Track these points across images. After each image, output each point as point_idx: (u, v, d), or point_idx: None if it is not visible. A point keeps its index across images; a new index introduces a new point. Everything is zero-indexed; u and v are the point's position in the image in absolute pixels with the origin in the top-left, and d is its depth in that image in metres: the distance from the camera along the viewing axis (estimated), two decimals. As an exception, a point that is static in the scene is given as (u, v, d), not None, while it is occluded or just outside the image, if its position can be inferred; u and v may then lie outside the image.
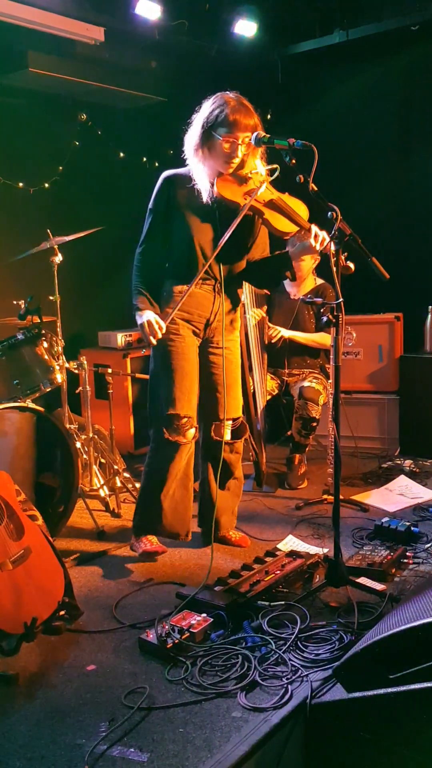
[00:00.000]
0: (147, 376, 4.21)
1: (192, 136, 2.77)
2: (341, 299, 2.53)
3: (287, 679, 2.10)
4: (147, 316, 2.83)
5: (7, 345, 3.36)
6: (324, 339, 4.16)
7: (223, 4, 4.86)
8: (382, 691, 1.84)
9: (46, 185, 4.75)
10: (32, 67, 4.22)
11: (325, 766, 2.01)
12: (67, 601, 2.47)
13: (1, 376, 3.35)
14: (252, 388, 3.94)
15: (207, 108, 2.74)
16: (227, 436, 3.09)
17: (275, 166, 2.76)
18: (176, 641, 2.28)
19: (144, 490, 3.07)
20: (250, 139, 2.68)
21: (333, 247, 2.54)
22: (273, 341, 4.14)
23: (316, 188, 2.52)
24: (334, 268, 2.54)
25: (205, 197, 2.78)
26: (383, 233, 4.58)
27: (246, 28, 4.95)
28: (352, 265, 2.55)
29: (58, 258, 3.74)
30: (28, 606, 2.27)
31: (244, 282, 3.79)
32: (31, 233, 3.94)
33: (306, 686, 2.07)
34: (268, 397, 4.23)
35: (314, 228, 2.80)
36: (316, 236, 2.78)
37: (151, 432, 3.01)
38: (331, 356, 2.63)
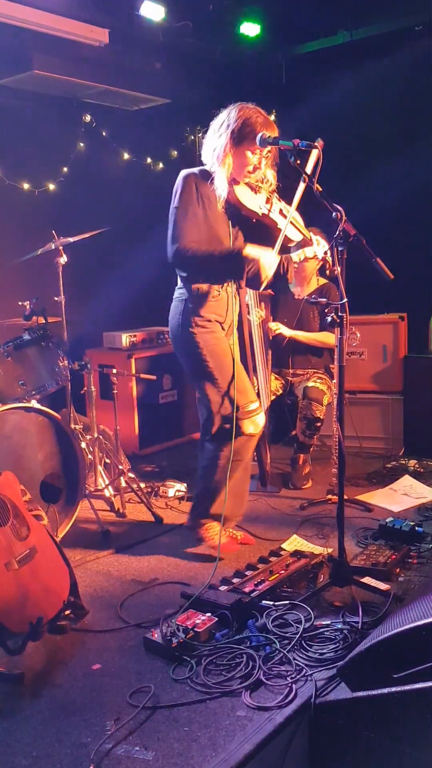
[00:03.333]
0: (152, 377, 4.27)
1: (217, 143, 2.83)
2: (345, 299, 2.54)
3: (292, 678, 2.11)
4: (256, 249, 2.85)
5: (13, 346, 3.37)
6: (326, 338, 4.16)
7: (227, 6, 4.87)
8: (386, 690, 1.84)
9: (51, 186, 4.76)
10: (37, 69, 4.23)
11: (330, 765, 2.01)
12: (72, 600, 2.48)
13: (7, 376, 3.36)
14: (256, 388, 3.94)
15: (234, 117, 2.80)
16: (256, 424, 3.14)
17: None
18: (181, 641, 2.28)
19: (218, 479, 3.06)
20: (257, 141, 2.71)
21: (332, 250, 2.56)
22: (272, 336, 4.14)
23: (320, 189, 2.52)
24: (338, 269, 2.55)
25: (220, 203, 2.87)
26: (387, 233, 4.57)
27: (250, 29, 4.96)
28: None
29: (63, 259, 3.75)
30: (34, 605, 2.28)
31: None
32: (36, 234, 3.95)
33: (310, 685, 2.07)
34: (273, 398, 4.23)
35: (314, 237, 3.01)
36: (317, 250, 3.01)
37: (218, 427, 3.01)
38: (336, 356, 2.63)
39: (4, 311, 3.93)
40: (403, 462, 4.39)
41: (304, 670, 2.15)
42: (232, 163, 2.84)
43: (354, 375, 4.73)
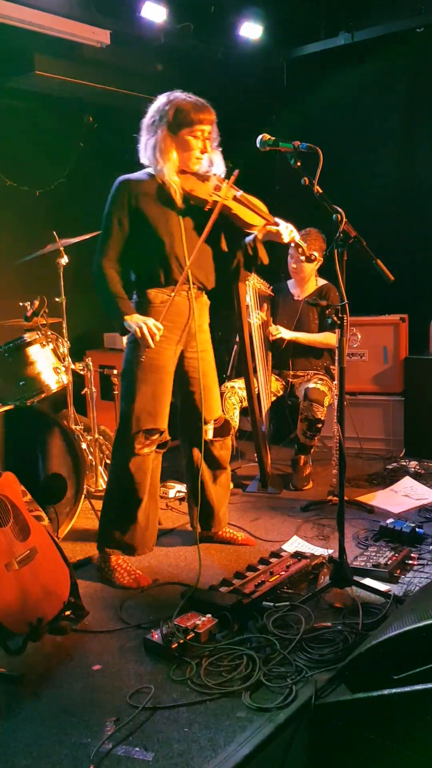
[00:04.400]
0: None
1: (154, 140, 2.76)
2: (346, 301, 2.54)
3: (292, 679, 2.11)
4: (138, 317, 2.74)
5: (14, 346, 3.38)
6: (327, 338, 4.16)
7: (229, 7, 4.87)
8: (386, 691, 1.84)
9: (53, 187, 4.77)
10: (39, 70, 4.24)
11: (330, 766, 2.01)
12: (72, 601, 2.48)
13: (8, 377, 3.37)
14: (257, 389, 3.94)
15: (164, 108, 2.75)
16: (209, 435, 3.12)
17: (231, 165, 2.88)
18: (181, 641, 2.28)
19: (118, 505, 2.90)
20: (257, 143, 2.69)
21: (333, 252, 2.56)
22: (272, 339, 4.15)
23: (321, 191, 2.53)
24: (339, 270, 2.55)
25: (174, 195, 2.77)
26: (388, 235, 4.58)
27: (251, 30, 4.96)
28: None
29: (64, 260, 3.76)
30: (34, 606, 2.28)
31: (247, 283, 3.82)
32: (37, 235, 3.95)
33: (310, 687, 2.07)
34: (273, 399, 4.24)
35: (281, 221, 2.90)
36: (282, 230, 2.89)
37: (122, 445, 2.86)
38: (336, 358, 2.63)
39: (5, 312, 3.93)
40: (404, 463, 4.39)
41: (305, 672, 2.15)
42: (175, 152, 2.76)
43: (355, 376, 4.74)
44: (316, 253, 2.75)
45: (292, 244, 3.00)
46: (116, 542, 2.90)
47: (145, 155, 2.83)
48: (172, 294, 2.81)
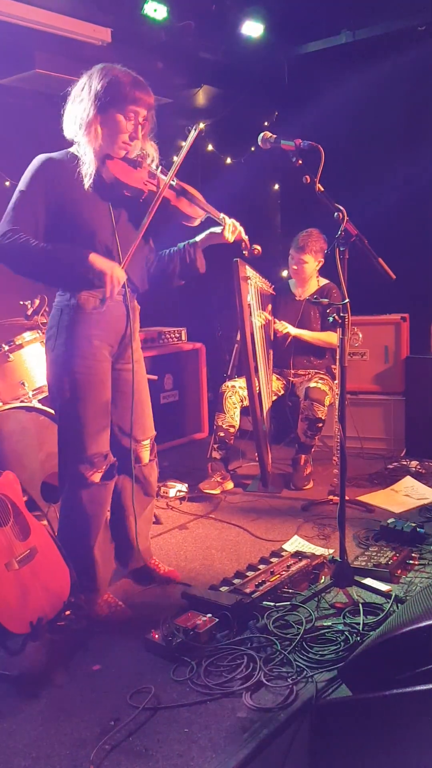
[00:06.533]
0: (154, 377, 4.26)
1: (80, 112, 2.40)
2: (347, 300, 2.53)
3: (292, 679, 2.10)
4: (104, 261, 2.33)
5: (14, 345, 3.37)
6: (330, 337, 4.16)
7: (230, 5, 4.86)
8: (387, 692, 1.84)
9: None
10: (39, 68, 4.23)
11: (330, 766, 2.01)
12: (72, 600, 2.47)
13: (8, 376, 3.36)
14: (258, 388, 3.94)
15: (98, 81, 2.37)
16: (146, 458, 2.78)
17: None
18: (181, 641, 2.28)
19: (72, 543, 2.55)
20: (258, 141, 2.66)
21: (334, 250, 2.54)
22: (279, 335, 4.14)
23: (322, 189, 2.52)
24: (340, 269, 2.54)
25: (87, 183, 2.40)
26: (389, 233, 4.56)
27: (252, 28, 4.95)
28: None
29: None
30: (34, 606, 2.28)
31: (248, 283, 3.81)
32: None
33: (311, 687, 2.07)
34: (274, 398, 4.23)
35: (222, 215, 2.63)
36: (228, 226, 2.62)
37: (69, 475, 2.53)
38: (338, 357, 2.63)
39: (5, 310, 3.92)
40: (405, 463, 4.39)
41: (305, 672, 2.14)
42: (101, 133, 2.39)
43: (356, 376, 4.73)
44: (259, 247, 2.65)
45: (241, 242, 2.71)
46: (78, 587, 2.52)
47: (68, 128, 2.47)
48: (105, 296, 2.40)
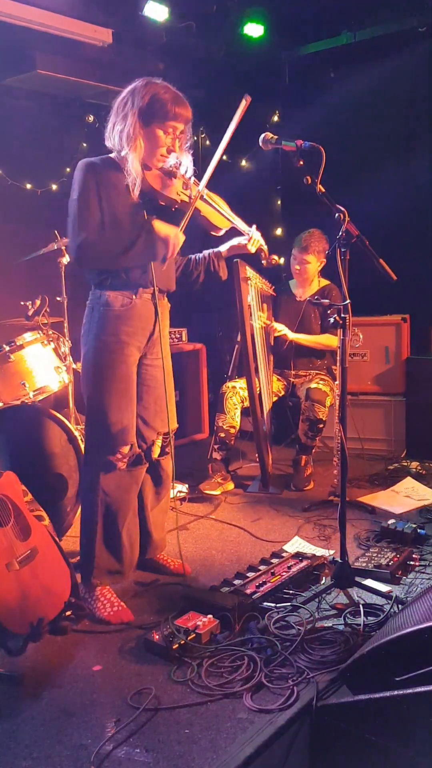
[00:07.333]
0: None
1: (123, 125, 2.54)
2: (348, 301, 2.53)
3: (293, 680, 2.10)
4: (166, 226, 2.52)
5: (15, 346, 3.37)
6: (329, 340, 4.16)
7: (231, 6, 4.87)
8: (388, 693, 1.83)
9: (54, 187, 4.76)
10: (40, 69, 4.23)
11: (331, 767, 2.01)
12: (73, 601, 2.47)
13: (9, 376, 3.36)
14: (258, 389, 3.94)
15: (140, 95, 2.52)
16: (165, 448, 2.92)
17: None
18: (182, 642, 2.28)
19: (101, 530, 2.67)
20: (260, 142, 2.67)
21: (335, 251, 2.55)
22: (274, 336, 4.14)
23: (323, 189, 2.52)
24: (341, 269, 2.54)
25: (136, 192, 2.54)
26: (390, 234, 4.56)
27: (253, 29, 4.96)
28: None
29: (66, 259, 3.76)
30: (35, 606, 2.28)
31: (248, 284, 3.81)
32: (38, 234, 3.95)
33: (312, 688, 2.06)
34: (275, 399, 4.23)
35: (246, 227, 2.81)
36: (254, 241, 2.84)
37: (96, 461, 2.65)
38: (338, 358, 2.63)
39: (6, 311, 3.93)
40: (405, 464, 4.39)
41: (306, 673, 2.14)
42: (143, 144, 2.53)
43: (356, 376, 4.73)
44: (277, 257, 2.73)
45: (261, 252, 2.92)
46: (103, 571, 2.68)
47: (110, 139, 2.61)
48: (134, 297, 2.61)
